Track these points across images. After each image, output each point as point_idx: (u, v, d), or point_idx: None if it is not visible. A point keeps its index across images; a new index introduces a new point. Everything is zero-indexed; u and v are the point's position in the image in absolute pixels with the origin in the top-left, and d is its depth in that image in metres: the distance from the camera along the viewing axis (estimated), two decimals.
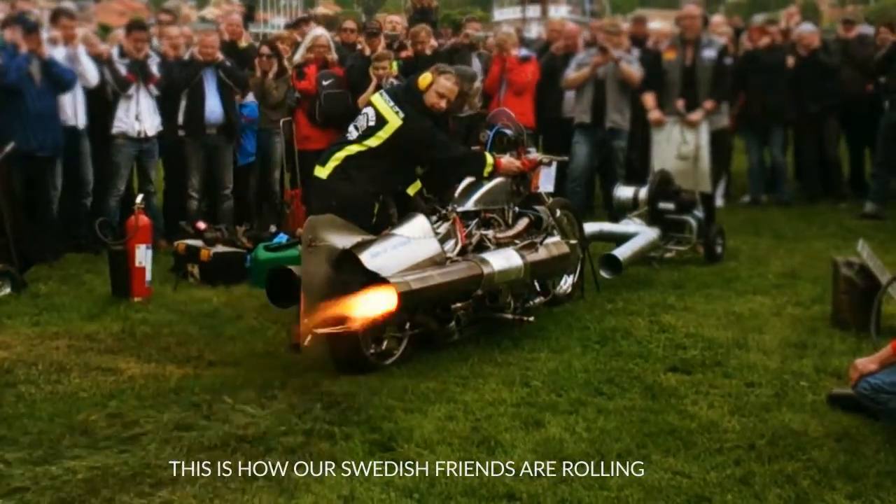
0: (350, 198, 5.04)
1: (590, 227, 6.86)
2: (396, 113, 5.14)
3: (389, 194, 5.27)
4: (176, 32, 8.28)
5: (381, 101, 5.23)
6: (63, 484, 3.46)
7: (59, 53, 7.28)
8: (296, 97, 8.16)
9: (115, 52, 7.71)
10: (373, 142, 5.14)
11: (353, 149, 5.17)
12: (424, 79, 5.30)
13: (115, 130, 7.58)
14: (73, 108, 7.37)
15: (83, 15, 8.27)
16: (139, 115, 7.57)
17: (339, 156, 5.19)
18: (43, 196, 7.22)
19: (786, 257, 7.35)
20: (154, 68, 7.66)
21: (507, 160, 5.57)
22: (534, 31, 16.60)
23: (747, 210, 9.45)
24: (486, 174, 5.46)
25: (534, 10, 39.51)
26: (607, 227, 7.13)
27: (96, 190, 7.67)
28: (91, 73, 7.38)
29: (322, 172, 5.22)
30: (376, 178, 5.13)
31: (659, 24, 11.41)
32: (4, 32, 7.07)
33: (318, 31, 8.41)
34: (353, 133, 5.22)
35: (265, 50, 8.27)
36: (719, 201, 9.09)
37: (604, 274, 6.32)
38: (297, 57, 8.27)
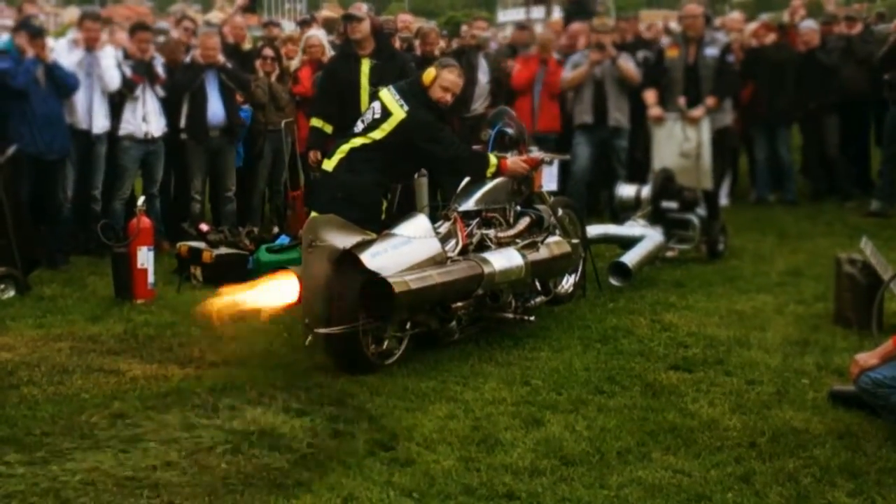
0: (355, 189, 5.10)
1: (595, 230, 6.83)
2: (401, 106, 5.20)
3: (395, 186, 5.28)
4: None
5: (388, 95, 5.29)
6: (63, 485, 3.47)
7: (76, 57, 7.28)
8: (295, 100, 8.16)
9: (119, 54, 7.71)
10: (377, 134, 5.20)
11: (357, 141, 5.24)
12: (428, 74, 5.32)
13: (121, 132, 7.55)
14: (87, 112, 7.35)
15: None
16: (146, 117, 7.55)
17: (345, 148, 5.26)
18: (52, 199, 7.20)
19: (789, 255, 7.32)
20: (159, 69, 7.67)
21: (513, 161, 5.50)
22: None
23: (753, 209, 9.40)
24: (488, 175, 5.44)
25: (538, 11, 39.39)
26: (612, 229, 7.08)
27: (102, 193, 7.67)
28: (111, 77, 7.35)
29: (328, 165, 5.33)
30: (380, 169, 5.18)
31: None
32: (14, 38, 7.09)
33: (310, 33, 8.37)
34: (359, 126, 5.28)
35: (268, 52, 8.19)
36: (724, 200, 9.05)
37: (614, 282, 6.30)
38: (296, 61, 8.24)
